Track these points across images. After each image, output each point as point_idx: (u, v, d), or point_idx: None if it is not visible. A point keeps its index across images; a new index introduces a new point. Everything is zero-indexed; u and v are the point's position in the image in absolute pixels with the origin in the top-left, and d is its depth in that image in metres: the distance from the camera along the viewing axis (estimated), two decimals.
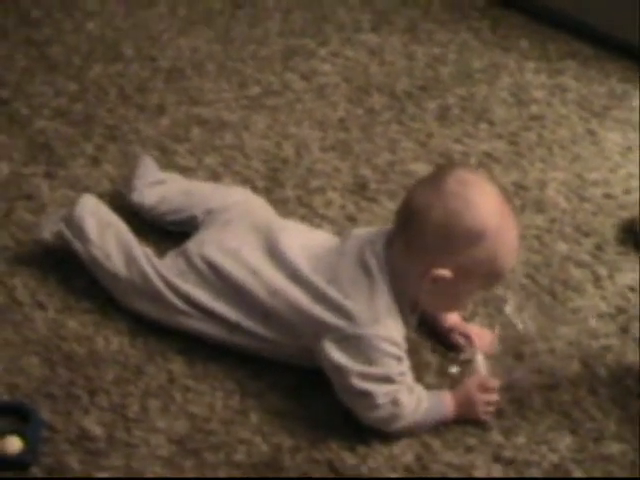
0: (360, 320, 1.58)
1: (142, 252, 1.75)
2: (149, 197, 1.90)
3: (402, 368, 1.59)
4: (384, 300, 1.59)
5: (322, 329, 1.59)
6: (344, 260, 1.64)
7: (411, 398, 1.58)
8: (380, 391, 1.56)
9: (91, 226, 1.78)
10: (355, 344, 1.57)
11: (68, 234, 1.78)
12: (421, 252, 1.59)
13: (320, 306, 1.60)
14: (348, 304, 1.59)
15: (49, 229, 1.81)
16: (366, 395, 1.56)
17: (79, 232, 1.77)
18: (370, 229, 1.71)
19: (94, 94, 2.26)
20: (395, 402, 1.57)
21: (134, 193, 1.92)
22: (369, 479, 1.54)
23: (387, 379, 1.57)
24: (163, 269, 1.72)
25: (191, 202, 1.88)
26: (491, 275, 1.62)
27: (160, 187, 1.93)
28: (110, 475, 1.52)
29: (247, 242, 1.72)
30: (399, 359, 1.59)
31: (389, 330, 1.58)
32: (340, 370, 1.58)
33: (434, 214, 1.57)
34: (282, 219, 1.86)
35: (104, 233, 1.77)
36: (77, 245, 1.78)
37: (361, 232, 1.70)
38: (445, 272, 1.57)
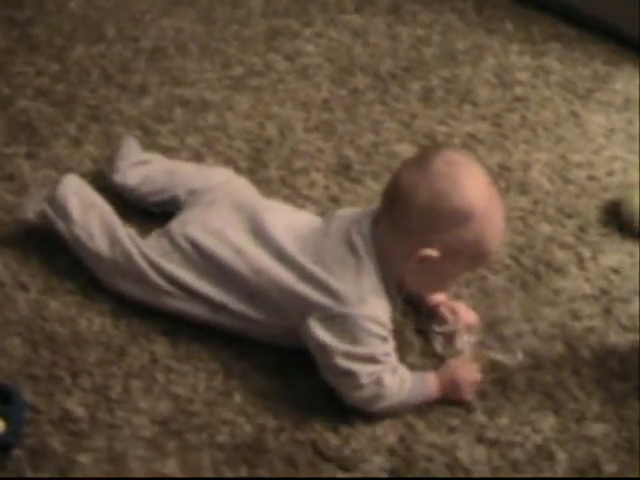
0: (346, 299, 1.57)
1: (126, 232, 1.74)
2: (132, 178, 1.90)
3: (387, 348, 1.59)
4: (370, 280, 1.59)
5: (308, 308, 1.59)
6: (330, 240, 1.63)
7: (395, 378, 1.58)
8: (364, 371, 1.56)
9: (74, 206, 1.77)
10: (340, 323, 1.57)
11: (51, 213, 1.77)
12: (407, 232, 1.58)
13: (306, 285, 1.60)
14: (334, 283, 1.58)
15: (32, 208, 1.80)
16: (350, 375, 1.56)
17: (62, 211, 1.76)
18: (355, 209, 1.70)
19: (76, 74, 2.25)
20: (379, 382, 1.57)
21: (117, 174, 1.91)
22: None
23: (372, 359, 1.57)
24: (147, 249, 1.71)
25: (174, 183, 1.87)
26: (477, 256, 1.61)
27: (143, 168, 1.92)
28: (93, 456, 1.52)
29: (231, 222, 1.71)
30: (384, 339, 1.58)
31: (375, 310, 1.58)
32: (325, 349, 1.57)
33: (420, 194, 1.56)
34: (265, 199, 1.85)
35: (87, 213, 1.77)
36: (60, 225, 1.77)
37: (346, 212, 1.69)
38: (432, 252, 1.57)
